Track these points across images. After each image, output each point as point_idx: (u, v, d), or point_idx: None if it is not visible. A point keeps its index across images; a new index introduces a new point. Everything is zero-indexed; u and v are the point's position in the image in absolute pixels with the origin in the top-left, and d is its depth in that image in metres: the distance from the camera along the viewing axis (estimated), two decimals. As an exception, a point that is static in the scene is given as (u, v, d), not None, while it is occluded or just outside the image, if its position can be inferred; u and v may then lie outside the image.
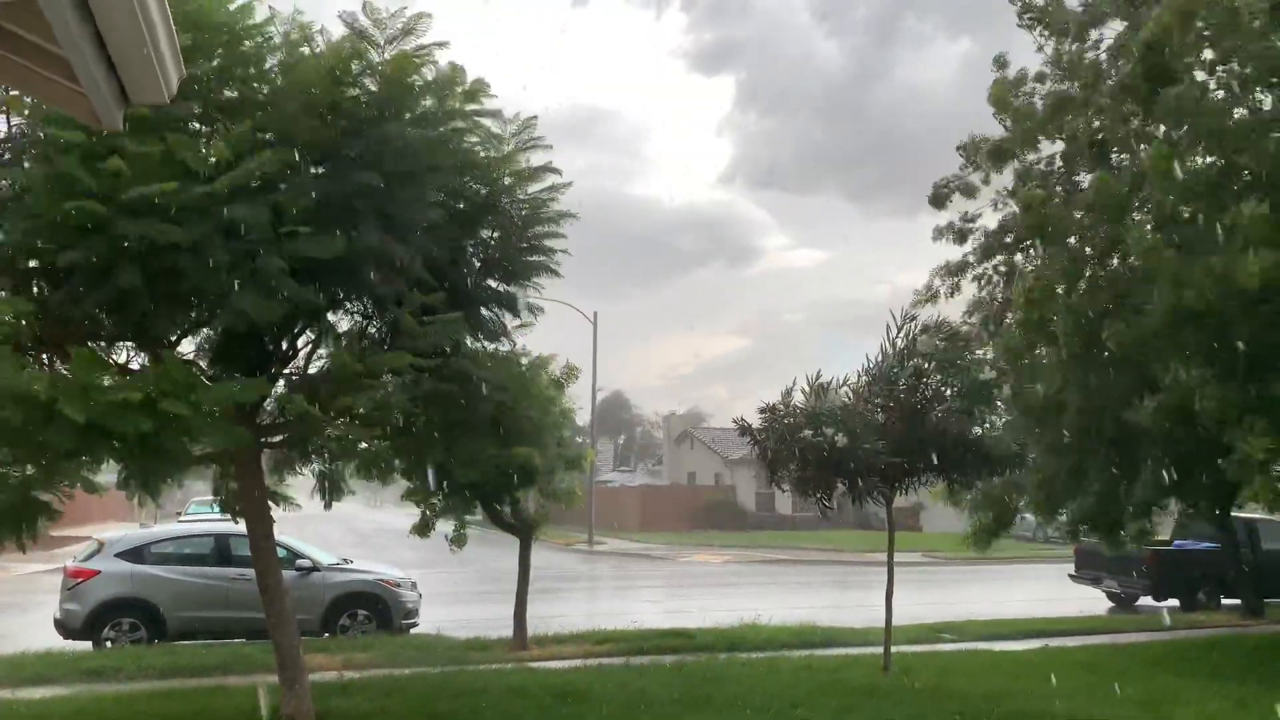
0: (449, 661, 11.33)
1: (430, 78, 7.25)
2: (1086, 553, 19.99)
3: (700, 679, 10.06)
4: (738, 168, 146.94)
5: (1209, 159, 10.64)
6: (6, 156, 6.68)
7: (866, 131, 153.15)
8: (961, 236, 14.94)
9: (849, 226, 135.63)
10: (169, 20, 2.59)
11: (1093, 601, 19.73)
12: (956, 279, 15.01)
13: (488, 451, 8.82)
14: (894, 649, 10.90)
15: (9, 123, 6.65)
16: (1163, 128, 11.19)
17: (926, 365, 10.21)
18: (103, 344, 7.21)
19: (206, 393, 6.07)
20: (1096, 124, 12.26)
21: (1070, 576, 20.81)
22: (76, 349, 5.84)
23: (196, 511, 31.41)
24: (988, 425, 10.40)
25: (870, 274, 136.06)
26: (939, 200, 14.85)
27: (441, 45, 7.13)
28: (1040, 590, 21.97)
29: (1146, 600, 19.40)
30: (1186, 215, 10.60)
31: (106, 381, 5.88)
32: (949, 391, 10.16)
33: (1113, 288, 11.95)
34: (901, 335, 10.39)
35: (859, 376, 10.42)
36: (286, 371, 8.21)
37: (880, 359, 10.41)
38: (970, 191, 14.61)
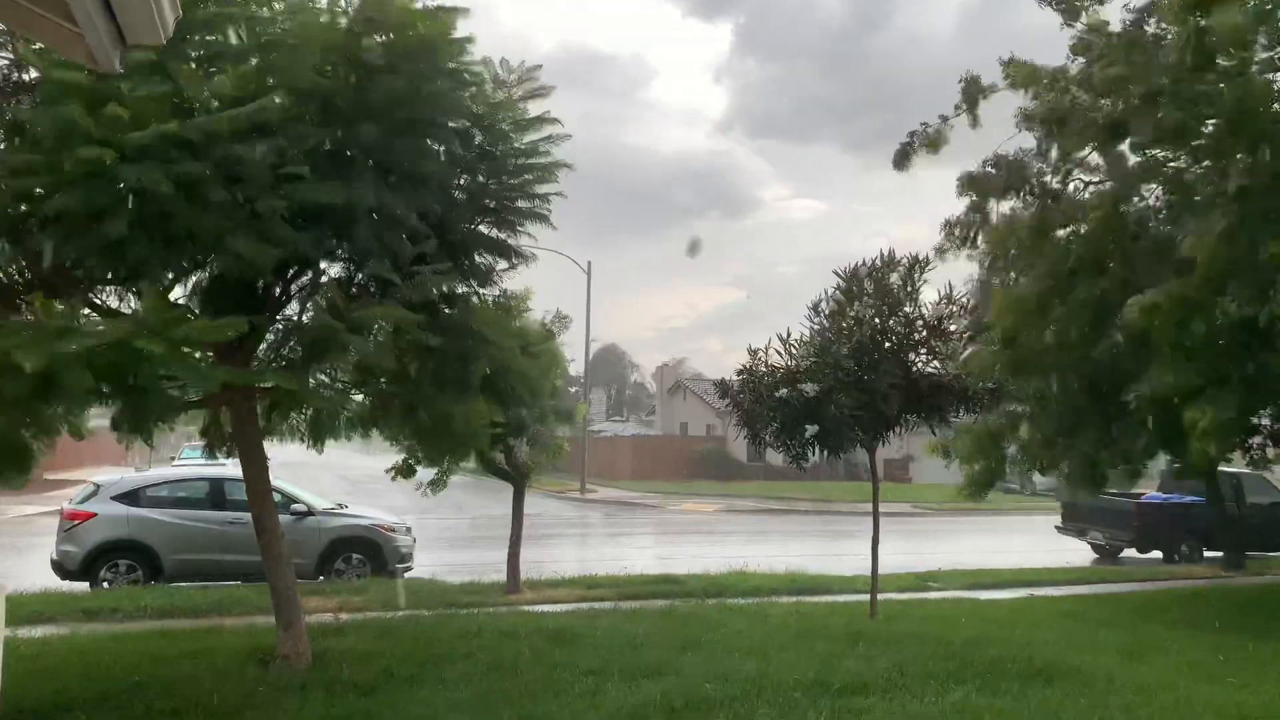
0: (443, 605, 11.49)
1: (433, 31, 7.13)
2: (1072, 505, 20.28)
3: (690, 623, 10.23)
4: (735, 116, 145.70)
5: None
6: None
7: (866, 80, 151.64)
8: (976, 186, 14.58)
9: (848, 178, 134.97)
10: (165, -41, 2.56)
11: (1078, 553, 20.04)
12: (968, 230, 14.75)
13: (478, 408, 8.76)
14: (881, 597, 11.09)
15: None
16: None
17: (881, 309, 10.29)
18: (95, 287, 7.19)
19: (186, 328, 6.07)
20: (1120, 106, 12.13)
21: (1056, 528, 21.12)
22: (39, 298, 5.79)
23: (190, 456, 31.50)
24: (953, 363, 10.51)
25: (868, 227, 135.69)
26: (904, 157, 14.44)
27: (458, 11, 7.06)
28: (1027, 542, 22.29)
29: (1131, 552, 19.73)
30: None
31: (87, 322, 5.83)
32: (917, 335, 10.27)
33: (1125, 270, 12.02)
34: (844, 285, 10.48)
35: (826, 328, 10.51)
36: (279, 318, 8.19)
37: (830, 309, 10.51)
38: (936, 145, 14.28)
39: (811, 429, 10.45)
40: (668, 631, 9.68)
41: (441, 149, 7.40)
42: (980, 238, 14.07)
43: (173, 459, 34.94)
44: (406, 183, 7.01)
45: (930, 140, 14.28)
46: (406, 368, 8.09)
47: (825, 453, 10.83)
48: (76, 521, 12.99)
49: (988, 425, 13.42)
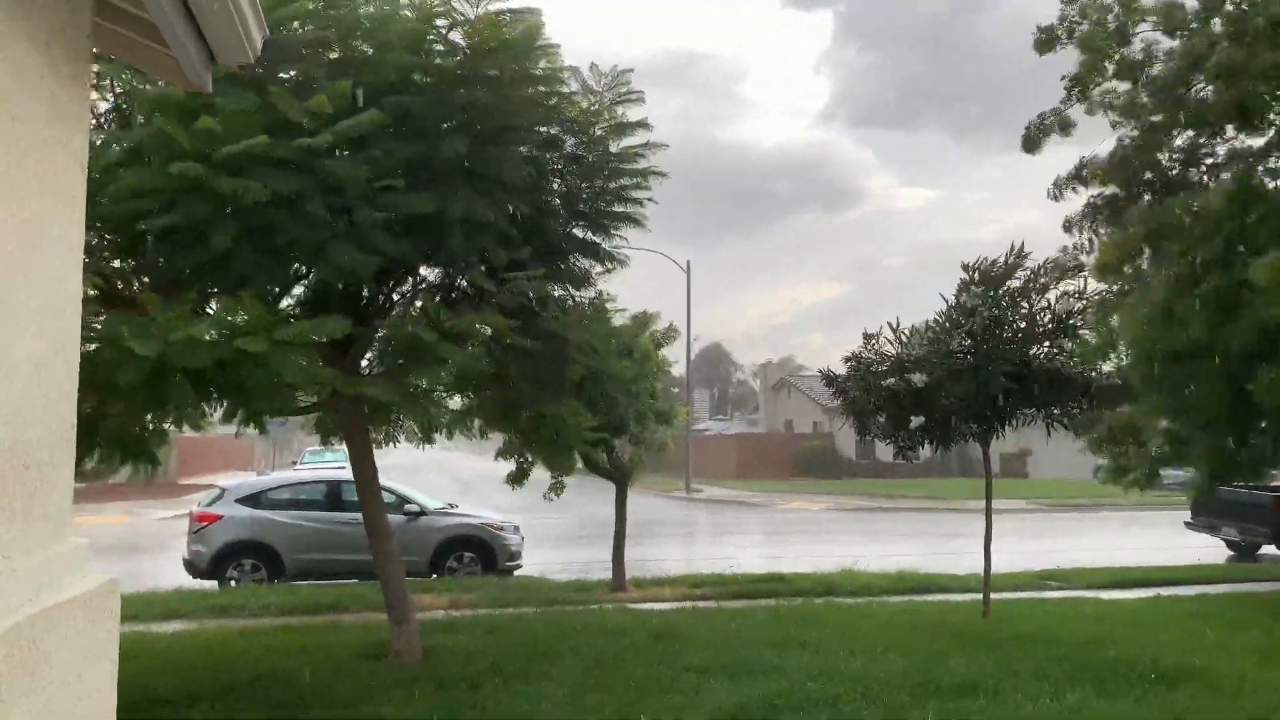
0: (550, 602, 11.67)
1: (516, 35, 7.20)
2: (1203, 500, 19.24)
3: (795, 622, 10.12)
4: (838, 106, 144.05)
5: None
6: (111, 125, 6.98)
7: (972, 64, 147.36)
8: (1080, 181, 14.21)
9: (954, 164, 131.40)
10: (249, -19, 2.67)
11: (1211, 550, 19.01)
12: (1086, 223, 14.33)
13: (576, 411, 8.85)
14: (997, 596, 10.76)
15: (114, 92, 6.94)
16: None
17: (1005, 303, 9.95)
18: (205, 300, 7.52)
19: (288, 329, 6.23)
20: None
21: (1186, 524, 20.07)
22: (149, 297, 6.02)
23: (311, 460, 32.84)
24: (1079, 358, 10.10)
25: (978, 214, 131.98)
26: (1032, 143, 14.10)
27: (531, 11, 7.13)
28: (1154, 539, 21.29)
29: (1269, 548, 18.60)
30: None
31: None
32: (1039, 328, 9.89)
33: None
34: (977, 274, 10.16)
35: (940, 320, 10.21)
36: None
37: (958, 299, 10.20)
38: (1067, 127, 13.87)
39: (918, 419, 10.20)
40: (772, 630, 9.60)
41: (532, 153, 7.48)
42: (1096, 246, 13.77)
43: (294, 463, 36.43)
44: (498, 190, 7.11)
45: (1060, 123, 13.86)
46: (504, 372, 8.23)
47: (935, 446, 10.57)
48: (204, 524, 13.68)
49: (1128, 416, 13.06)
